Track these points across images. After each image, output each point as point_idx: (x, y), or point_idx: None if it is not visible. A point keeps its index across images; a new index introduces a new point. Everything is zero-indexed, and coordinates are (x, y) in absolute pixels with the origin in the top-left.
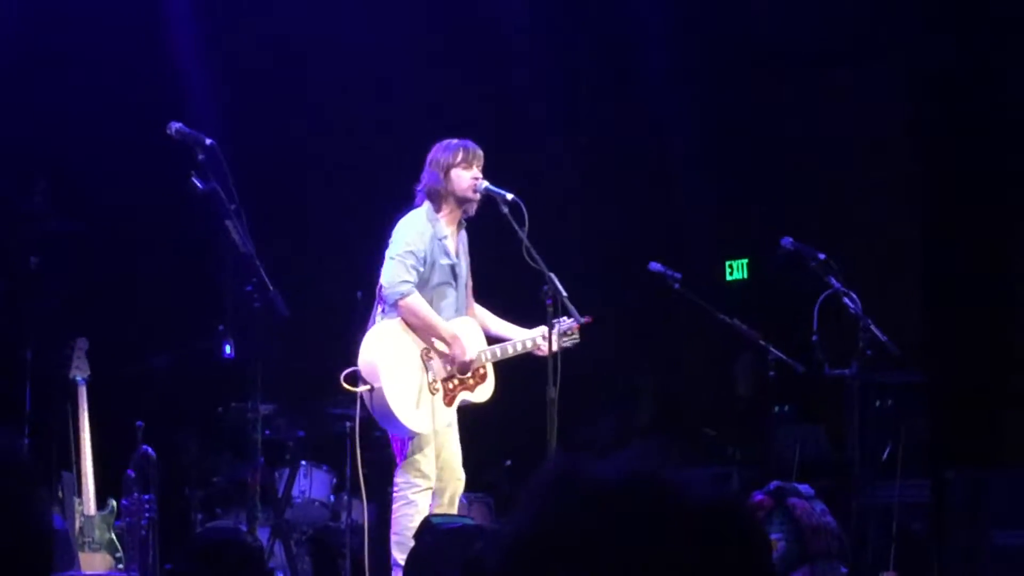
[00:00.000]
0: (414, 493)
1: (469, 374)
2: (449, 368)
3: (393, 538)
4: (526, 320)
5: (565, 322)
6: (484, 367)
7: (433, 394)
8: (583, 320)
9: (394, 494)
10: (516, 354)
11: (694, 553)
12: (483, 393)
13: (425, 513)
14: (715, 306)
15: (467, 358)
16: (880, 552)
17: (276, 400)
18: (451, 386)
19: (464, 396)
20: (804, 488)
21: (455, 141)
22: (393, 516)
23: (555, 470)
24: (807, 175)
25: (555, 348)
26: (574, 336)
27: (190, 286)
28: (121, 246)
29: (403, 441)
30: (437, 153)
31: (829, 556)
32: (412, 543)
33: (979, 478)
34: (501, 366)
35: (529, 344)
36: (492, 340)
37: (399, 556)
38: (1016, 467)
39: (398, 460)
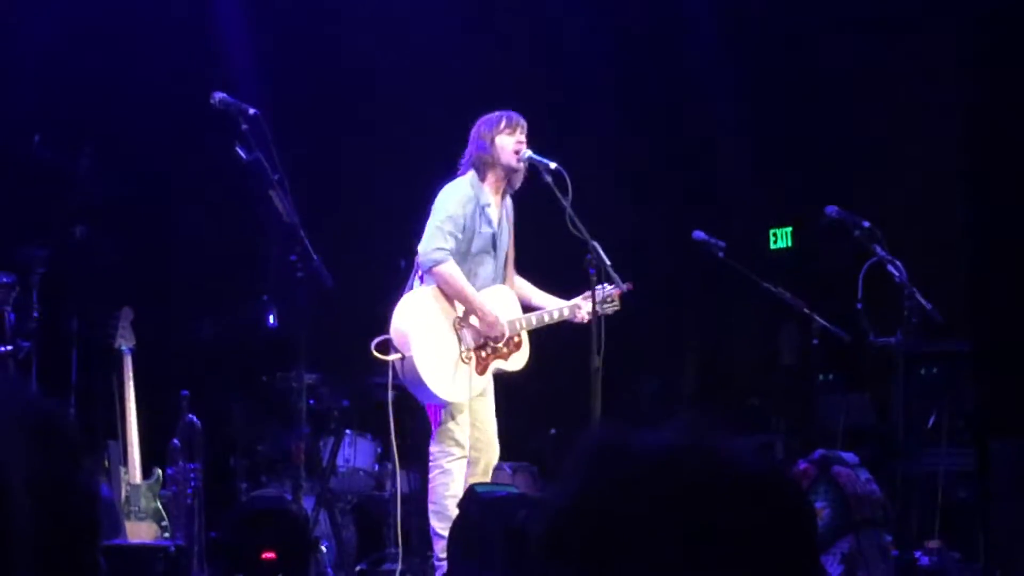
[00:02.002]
0: (448, 462)
1: (502, 343)
2: (482, 337)
3: (431, 507)
4: (570, 288)
5: (606, 288)
6: (518, 336)
7: (466, 363)
8: (624, 287)
9: (429, 463)
10: (552, 322)
11: (739, 522)
12: (517, 362)
13: (460, 482)
14: (759, 275)
15: (499, 329)
16: (925, 520)
17: (320, 369)
18: (484, 355)
19: (498, 364)
20: (849, 456)
21: (498, 112)
22: (429, 486)
23: (599, 440)
24: (851, 142)
25: (601, 306)
26: (614, 303)
27: (234, 256)
28: (166, 216)
29: (436, 410)
30: (481, 125)
31: (874, 524)
32: (449, 512)
33: None
34: (544, 336)
35: (566, 312)
36: (529, 310)
37: (437, 525)
38: None
39: (432, 429)
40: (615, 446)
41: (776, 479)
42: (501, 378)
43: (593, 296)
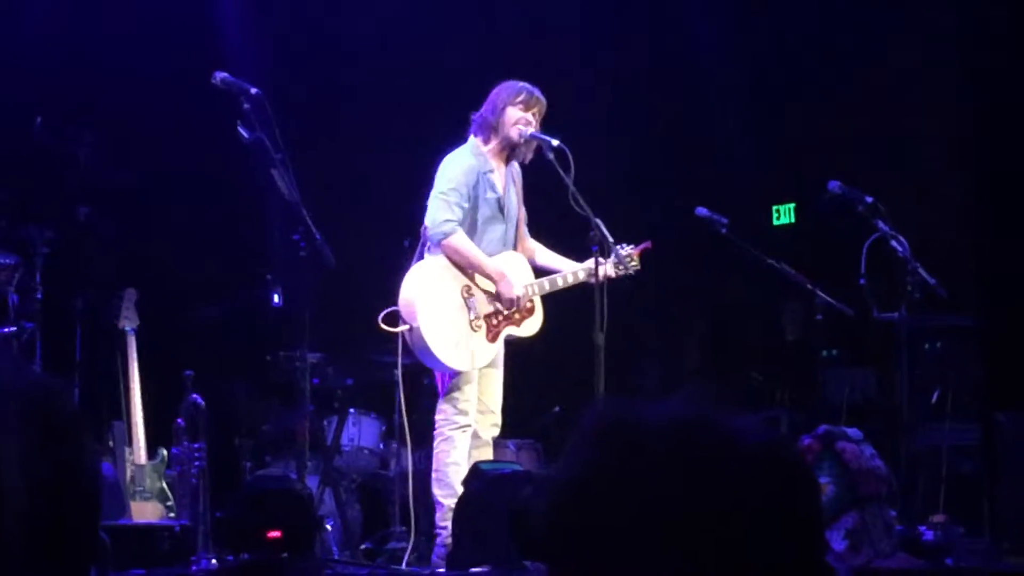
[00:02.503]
0: (451, 429)
1: (515, 309)
2: (493, 304)
3: (433, 475)
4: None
5: (625, 248)
6: (531, 301)
7: (475, 331)
8: (643, 245)
9: (434, 431)
10: (567, 286)
11: (743, 498)
12: (530, 327)
13: (463, 450)
14: (762, 251)
15: (514, 294)
16: (929, 495)
17: (324, 348)
18: (495, 322)
19: (510, 331)
20: (853, 432)
21: (522, 83)
22: (433, 453)
23: (603, 416)
24: (854, 118)
25: (604, 282)
26: (634, 262)
27: (238, 235)
28: (169, 196)
29: (445, 378)
30: (501, 89)
31: (878, 499)
32: (448, 478)
33: None
34: (550, 312)
35: (582, 275)
36: (544, 273)
37: (437, 492)
38: None
39: (440, 395)
40: (619, 422)
41: (780, 454)
42: (507, 354)
43: (596, 272)
